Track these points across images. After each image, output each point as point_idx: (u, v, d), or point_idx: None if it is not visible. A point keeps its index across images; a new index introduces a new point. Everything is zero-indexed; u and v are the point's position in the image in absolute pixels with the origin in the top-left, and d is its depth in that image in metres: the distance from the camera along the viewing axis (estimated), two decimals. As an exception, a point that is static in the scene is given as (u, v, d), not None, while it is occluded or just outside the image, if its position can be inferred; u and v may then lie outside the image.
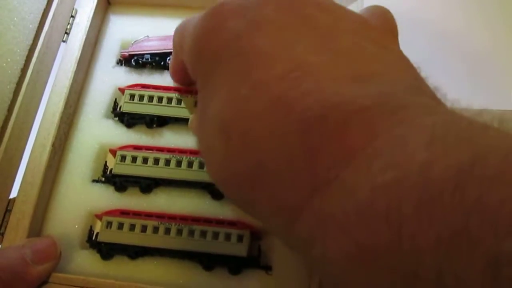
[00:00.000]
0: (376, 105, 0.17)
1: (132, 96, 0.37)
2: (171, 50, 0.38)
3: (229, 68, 0.20)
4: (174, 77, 0.35)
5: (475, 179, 0.13)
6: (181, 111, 0.36)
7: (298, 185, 0.18)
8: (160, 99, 0.36)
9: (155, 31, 0.40)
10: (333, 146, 0.17)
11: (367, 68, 0.19)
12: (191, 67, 0.24)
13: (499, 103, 0.36)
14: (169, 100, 0.36)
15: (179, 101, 0.36)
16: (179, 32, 0.27)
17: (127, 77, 0.38)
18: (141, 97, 0.37)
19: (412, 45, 0.25)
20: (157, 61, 0.38)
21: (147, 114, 0.36)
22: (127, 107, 0.36)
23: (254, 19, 0.21)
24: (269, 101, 0.18)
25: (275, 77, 0.19)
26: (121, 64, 0.39)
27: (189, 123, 0.31)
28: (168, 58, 0.38)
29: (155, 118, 0.36)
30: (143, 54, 0.38)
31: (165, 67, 0.38)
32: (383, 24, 0.24)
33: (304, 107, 0.18)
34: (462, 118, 0.16)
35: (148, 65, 0.38)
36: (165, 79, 0.38)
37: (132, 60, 0.38)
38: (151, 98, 0.36)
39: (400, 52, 0.22)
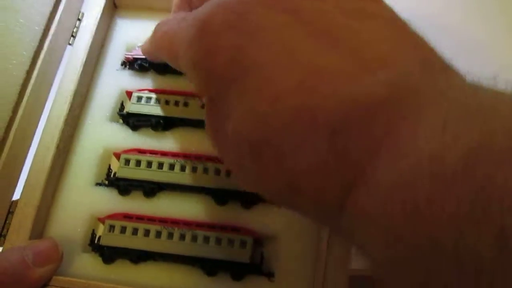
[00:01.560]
0: (390, 94, 0.17)
1: (139, 98, 0.37)
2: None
3: (242, 85, 0.20)
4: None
5: (483, 159, 0.14)
6: (188, 113, 0.36)
7: (333, 185, 0.18)
8: (167, 102, 0.36)
9: (161, 35, 0.40)
10: (360, 143, 0.17)
11: (373, 54, 0.19)
12: (197, 82, 0.24)
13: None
14: (176, 102, 0.36)
15: (186, 103, 0.36)
16: (168, 38, 0.27)
17: (132, 80, 0.38)
18: (149, 99, 0.37)
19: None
20: (160, 66, 0.38)
21: (154, 116, 0.36)
22: (134, 108, 0.36)
23: (244, 29, 0.21)
24: (290, 114, 0.19)
25: (290, 90, 0.19)
26: (125, 67, 0.39)
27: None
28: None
29: (161, 121, 0.36)
30: (146, 58, 0.38)
31: (170, 71, 0.38)
32: None
33: (325, 112, 0.18)
34: (473, 98, 0.16)
35: (151, 69, 0.38)
36: (169, 83, 0.38)
37: (136, 64, 0.38)
38: (158, 100, 0.36)
39: (391, 12, 0.21)
